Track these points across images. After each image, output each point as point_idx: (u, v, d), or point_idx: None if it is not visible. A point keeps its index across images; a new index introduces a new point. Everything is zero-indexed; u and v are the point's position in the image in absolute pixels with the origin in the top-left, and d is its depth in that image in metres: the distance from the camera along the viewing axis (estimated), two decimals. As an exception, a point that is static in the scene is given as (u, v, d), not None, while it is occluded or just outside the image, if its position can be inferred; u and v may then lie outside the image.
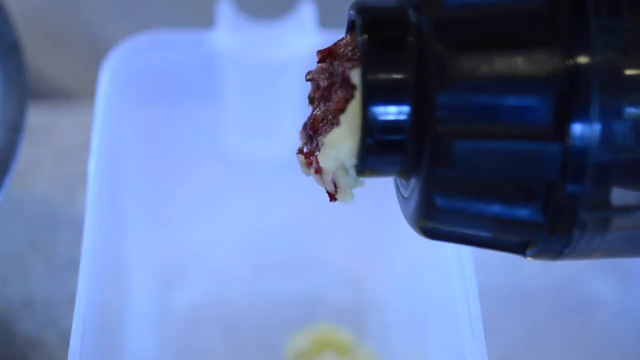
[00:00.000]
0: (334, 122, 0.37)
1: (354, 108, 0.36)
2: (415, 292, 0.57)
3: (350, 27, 0.38)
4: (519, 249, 0.37)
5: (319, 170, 0.38)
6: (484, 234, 0.37)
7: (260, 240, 0.66)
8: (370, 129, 0.35)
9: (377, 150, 0.36)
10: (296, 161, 0.39)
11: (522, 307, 0.65)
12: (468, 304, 0.48)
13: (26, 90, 0.55)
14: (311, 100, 0.39)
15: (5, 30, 0.58)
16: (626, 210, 0.36)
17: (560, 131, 0.34)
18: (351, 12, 0.37)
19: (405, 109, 0.35)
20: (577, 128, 0.34)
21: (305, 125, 0.39)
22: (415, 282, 0.58)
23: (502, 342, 0.63)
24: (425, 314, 0.56)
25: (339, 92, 0.36)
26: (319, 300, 0.64)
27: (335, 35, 0.39)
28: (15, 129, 0.53)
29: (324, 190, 0.38)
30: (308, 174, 0.39)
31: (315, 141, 0.38)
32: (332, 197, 0.38)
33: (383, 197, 0.49)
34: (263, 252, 0.66)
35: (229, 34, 0.58)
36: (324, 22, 0.60)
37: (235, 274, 0.66)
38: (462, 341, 0.47)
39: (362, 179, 0.38)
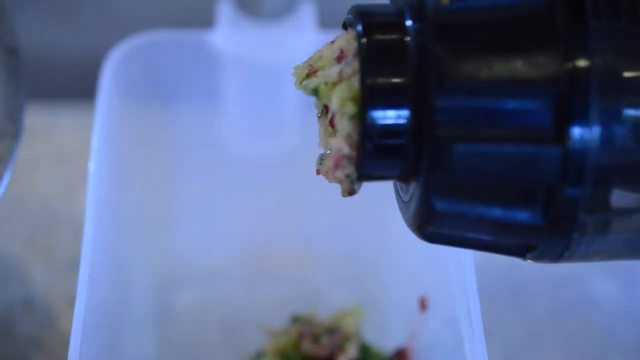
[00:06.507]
0: None
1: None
2: (415, 292, 0.57)
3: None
4: (519, 252, 0.37)
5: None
6: (484, 237, 0.37)
7: (260, 240, 0.66)
8: (369, 133, 0.35)
9: (377, 154, 0.36)
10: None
11: (522, 307, 0.65)
12: (468, 304, 0.48)
13: (24, 95, 0.55)
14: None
15: (5, 34, 0.57)
16: (626, 212, 0.36)
17: (560, 134, 0.34)
18: (349, 16, 0.37)
19: (405, 112, 0.35)
20: (577, 131, 0.34)
21: None
22: (415, 282, 0.58)
23: (502, 342, 0.63)
24: (425, 313, 0.56)
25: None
26: (319, 300, 0.64)
27: (335, 35, 0.39)
28: (13, 134, 0.53)
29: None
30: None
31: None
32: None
33: (383, 197, 0.49)
34: (263, 252, 0.66)
35: (229, 34, 0.58)
36: (324, 22, 0.60)
37: (235, 274, 0.66)
38: (462, 341, 0.47)
39: None
